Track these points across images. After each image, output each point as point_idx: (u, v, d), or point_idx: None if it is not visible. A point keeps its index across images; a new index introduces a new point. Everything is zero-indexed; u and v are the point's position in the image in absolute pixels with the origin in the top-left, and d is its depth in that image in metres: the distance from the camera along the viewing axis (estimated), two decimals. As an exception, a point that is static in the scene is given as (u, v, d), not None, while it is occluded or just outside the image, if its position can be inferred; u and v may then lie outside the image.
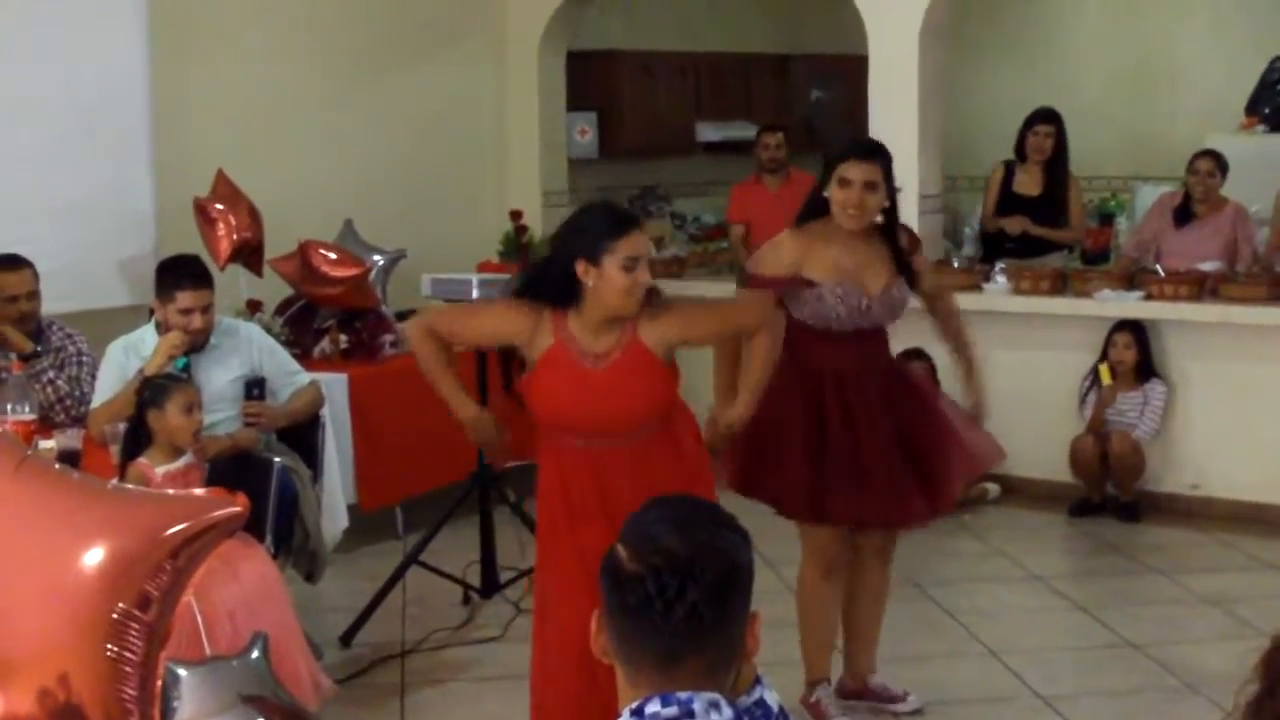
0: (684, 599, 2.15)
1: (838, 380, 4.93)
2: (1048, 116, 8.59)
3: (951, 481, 5.16)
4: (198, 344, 5.49)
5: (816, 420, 4.92)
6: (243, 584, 4.80)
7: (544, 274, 4.24)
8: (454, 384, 4.43)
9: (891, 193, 4.93)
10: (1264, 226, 8.27)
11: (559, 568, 4.27)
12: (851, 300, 4.88)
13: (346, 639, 6.00)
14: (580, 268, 4.06)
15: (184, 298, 5.44)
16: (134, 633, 2.74)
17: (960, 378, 5.36)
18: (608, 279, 4.05)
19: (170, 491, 4.43)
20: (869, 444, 4.93)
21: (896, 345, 5.43)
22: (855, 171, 4.82)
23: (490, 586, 6.32)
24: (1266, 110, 9.80)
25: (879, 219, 4.91)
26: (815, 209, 4.96)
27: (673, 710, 2.12)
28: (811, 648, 5.18)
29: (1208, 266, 7.79)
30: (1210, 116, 9.94)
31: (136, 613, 2.74)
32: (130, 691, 2.75)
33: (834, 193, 4.85)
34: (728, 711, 2.13)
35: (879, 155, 4.90)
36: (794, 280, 4.87)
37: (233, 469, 5.18)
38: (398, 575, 6.23)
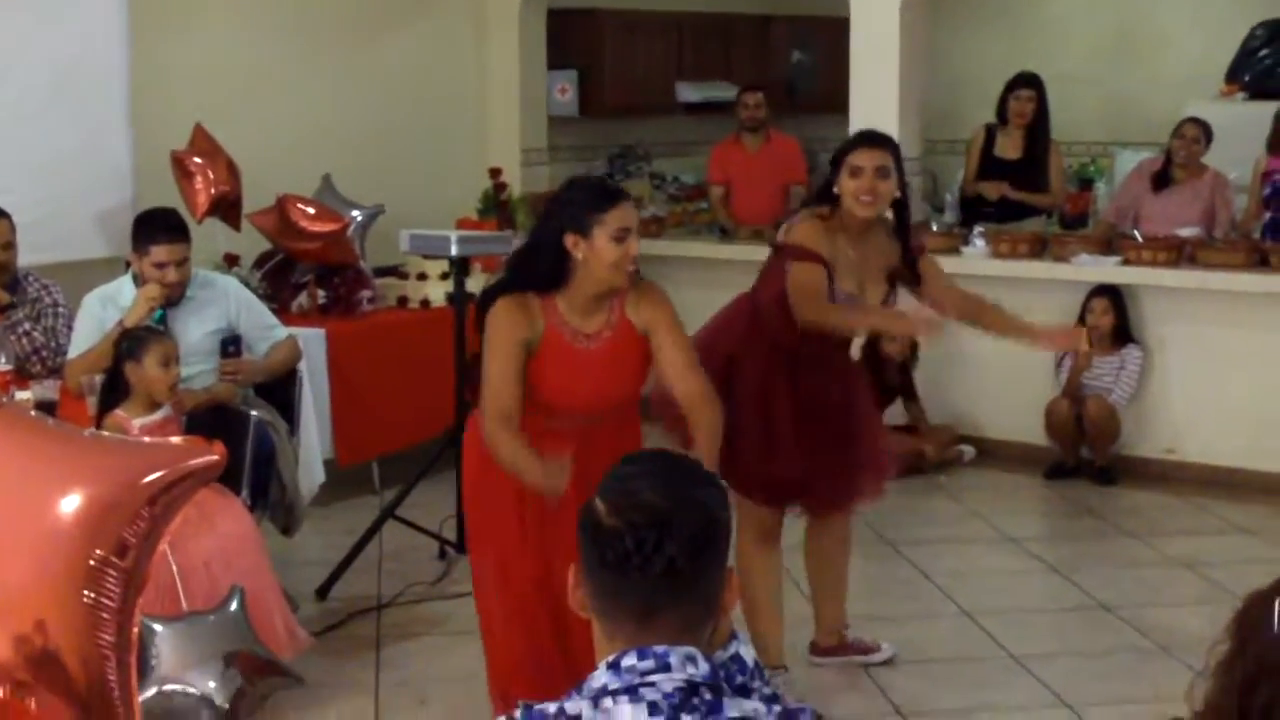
0: (662, 553, 2.15)
1: (793, 364, 4.89)
2: (1029, 81, 8.58)
3: (881, 470, 5.17)
4: (174, 297, 5.47)
5: (763, 397, 4.87)
6: (219, 536, 4.80)
7: (532, 254, 4.19)
8: (527, 458, 3.99)
9: (903, 183, 4.89)
10: (1242, 193, 8.29)
11: (502, 529, 4.29)
12: None
13: (323, 592, 6.01)
14: (570, 241, 4.03)
15: (159, 251, 5.42)
16: (111, 579, 2.74)
17: (1016, 335, 5.08)
18: (598, 251, 4.02)
19: (147, 439, 4.42)
20: (815, 431, 4.90)
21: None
22: (865, 159, 4.78)
23: (466, 542, 6.31)
24: (1246, 77, 9.80)
25: (889, 214, 4.87)
26: (820, 202, 4.89)
27: (649, 664, 2.11)
28: (760, 630, 5.01)
29: (1186, 232, 7.81)
30: (1191, 83, 9.93)
31: (114, 559, 2.74)
32: (107, 638, 2.75)
33: (845, 183, 4.78)
34: (704, 665, 2.13)
35: (888, 143, 4.88)
36: (826, 263, 4.78)
37: (210, 422, 5.17)
38: (374, 529, 6.24)
